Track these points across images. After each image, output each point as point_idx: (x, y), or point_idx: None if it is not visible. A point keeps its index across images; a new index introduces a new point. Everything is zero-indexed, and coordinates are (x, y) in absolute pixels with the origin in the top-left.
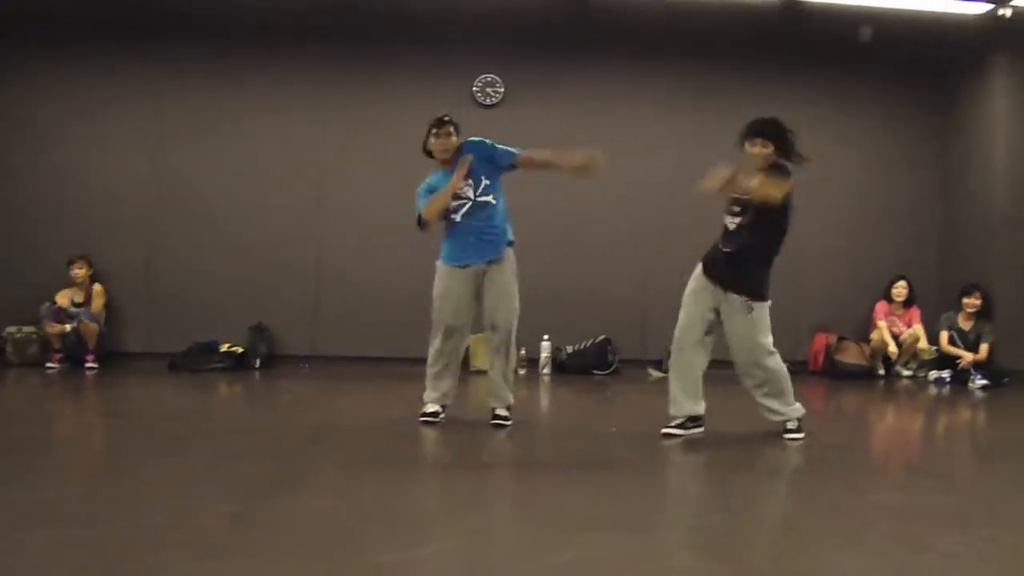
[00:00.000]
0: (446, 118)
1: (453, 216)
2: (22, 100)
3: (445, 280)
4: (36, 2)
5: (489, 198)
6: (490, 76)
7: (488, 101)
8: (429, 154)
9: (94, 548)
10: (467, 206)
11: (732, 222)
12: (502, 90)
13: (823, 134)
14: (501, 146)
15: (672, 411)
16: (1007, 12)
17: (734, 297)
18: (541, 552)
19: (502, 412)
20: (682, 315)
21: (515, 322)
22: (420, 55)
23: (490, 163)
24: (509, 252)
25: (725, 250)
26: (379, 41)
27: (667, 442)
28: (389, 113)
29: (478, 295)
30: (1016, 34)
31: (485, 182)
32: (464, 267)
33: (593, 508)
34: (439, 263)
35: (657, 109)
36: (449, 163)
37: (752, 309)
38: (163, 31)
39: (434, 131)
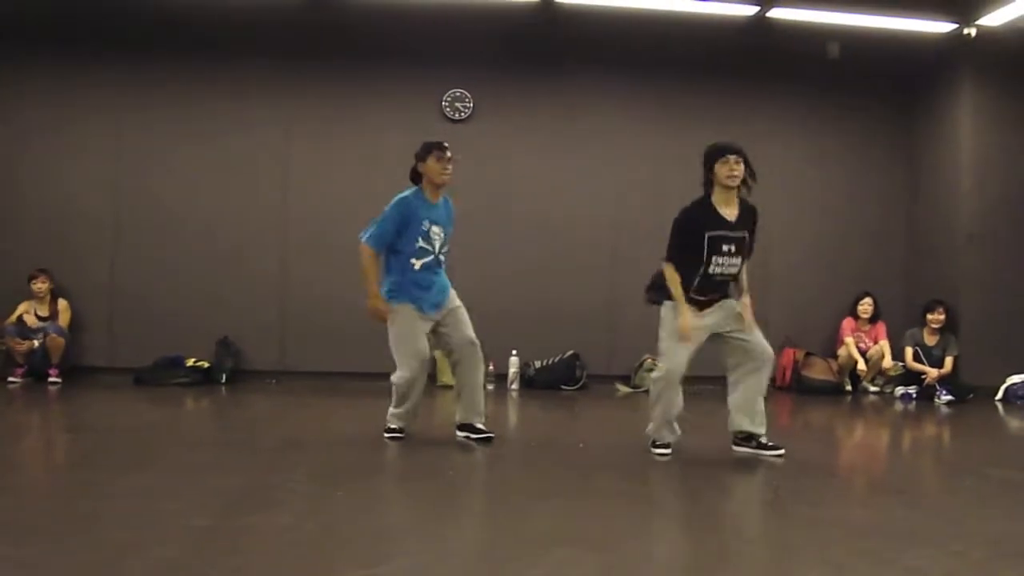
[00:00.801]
0: (446, 143)
1: (413, 261)
2: None
3: (411, 319)
4: None
5: (444, 258)
6: (459, 91)
7: (457, 116)
8: (418, 177)
9: (56, 566)
10: (430, 259)
11: (727, 263)
12: (471, 105)
13: (790, 150)
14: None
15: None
16: (972, 31)
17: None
18: (508, 568)
19: (483, 425)
20: (682, 353)
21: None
22: (389, 70)
23: (452, 228)
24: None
25: (721, 294)
26: (348, 55)
27: (634, 458)
28: (357, 127)
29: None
30: (981, 53)
31: (447, 244)
32: (426, 313)
33: (560, 524)
34: (397, 304)
35: (625, 124)
36: (436, 196)
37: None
38: (125, 44)
39: (436, 154)
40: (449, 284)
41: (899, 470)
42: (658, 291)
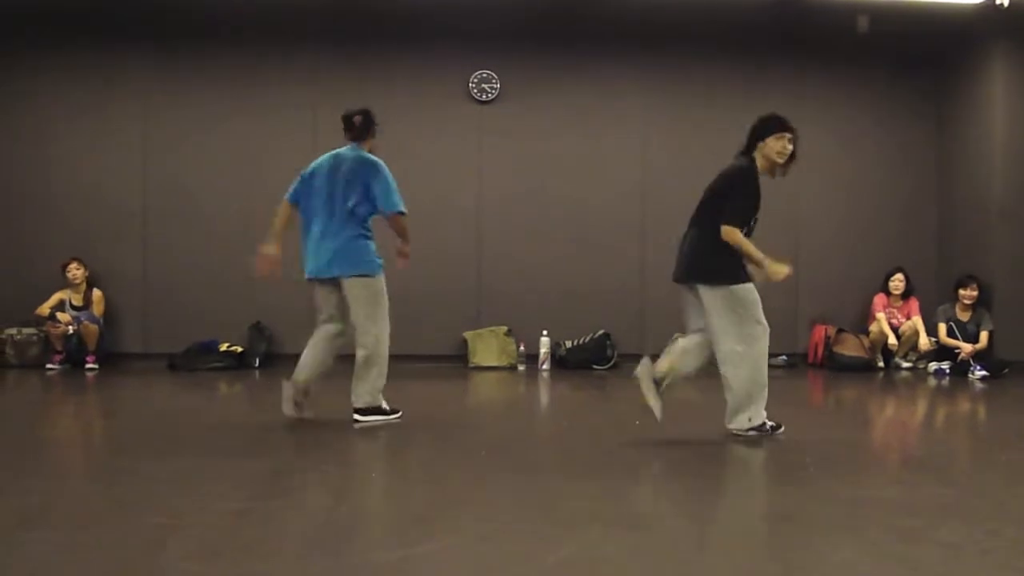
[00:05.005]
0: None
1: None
2: (14, 102)
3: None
4: (25, 4)
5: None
6: (486, 72)
7: (484, 97)
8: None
9: (94, 549)
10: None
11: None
12: (497, 86)
13: (820, 126)
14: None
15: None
16: (1005, 2)
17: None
18: (541, 549)
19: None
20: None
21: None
22: (415, 52)
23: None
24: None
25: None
26: (374, 38)
27: (666, 437)
28: (384, 110)
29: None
30: (1014, 24)
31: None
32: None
33: (592, 504)
34: None
35: (652, 105)
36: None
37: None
38: (155, 32)
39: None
40: (337, 249)
41: (933, 446)
42: (713, 270)
